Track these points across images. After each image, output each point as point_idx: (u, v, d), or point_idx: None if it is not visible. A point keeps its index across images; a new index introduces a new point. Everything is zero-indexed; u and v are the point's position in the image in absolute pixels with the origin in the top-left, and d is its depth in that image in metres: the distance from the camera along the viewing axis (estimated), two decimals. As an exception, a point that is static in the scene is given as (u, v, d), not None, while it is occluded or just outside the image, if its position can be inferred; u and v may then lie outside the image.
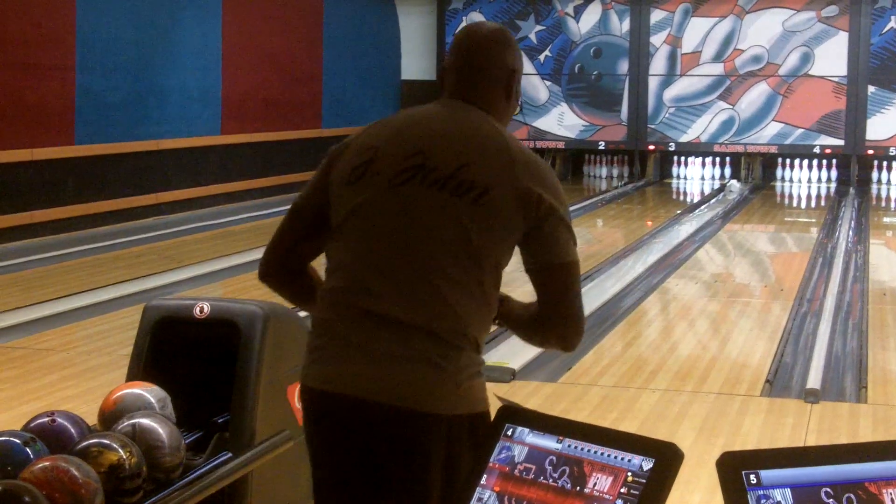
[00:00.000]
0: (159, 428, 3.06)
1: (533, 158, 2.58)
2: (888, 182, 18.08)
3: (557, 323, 2.56)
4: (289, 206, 2.73)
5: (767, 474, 1.85)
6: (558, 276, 2.54)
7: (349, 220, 2.57)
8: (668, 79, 18.84)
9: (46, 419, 3.06)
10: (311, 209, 2.66)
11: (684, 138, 18.82)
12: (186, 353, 3.66)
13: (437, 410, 2.45)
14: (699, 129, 18.71)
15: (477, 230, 2.49)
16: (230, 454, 3.36)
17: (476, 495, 2.14)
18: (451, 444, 2.48)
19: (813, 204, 17.15)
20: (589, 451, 2.06)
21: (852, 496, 1.80)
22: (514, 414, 2.22)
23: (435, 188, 2.51)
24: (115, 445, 2.90)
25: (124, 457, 2.89)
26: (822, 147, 18.19)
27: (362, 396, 2.47)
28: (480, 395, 2.54)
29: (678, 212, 15.39)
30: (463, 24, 2.63)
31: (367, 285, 2.51)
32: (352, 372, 2.49)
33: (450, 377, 2.46)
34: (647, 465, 1.99)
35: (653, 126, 18.91)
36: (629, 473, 1.99)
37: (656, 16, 18.87)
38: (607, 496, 1.99)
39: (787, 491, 1.83)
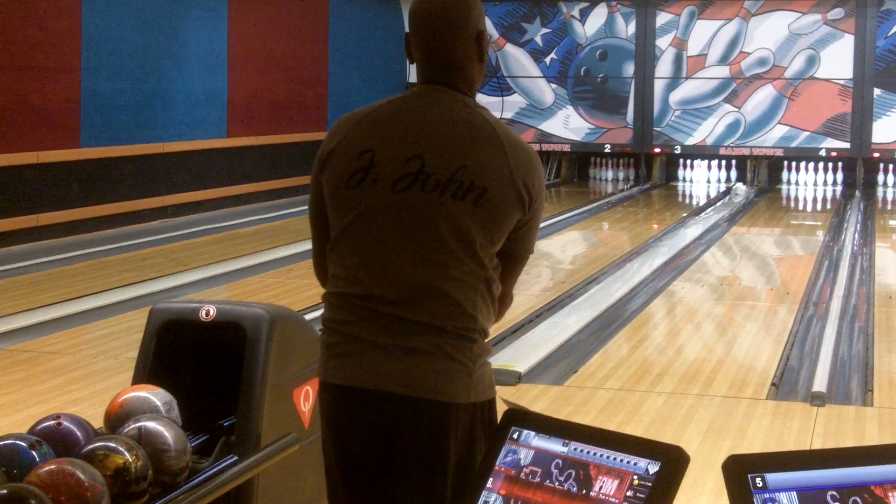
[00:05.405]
0: (165, 431, 3.06)
1: (522, 147, 2.61)
2: (894, 185, 18.06)
3: (505, 302, 2.68)
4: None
5: (773, 477, 1.85)
6: (522, 264, 2.68)
7: (352, 227, 2.58)
8: (674, 81, 18.83)
9: (52, 422, 3.06)
10: (324, 217, 2.67)
11: (690, 141, 18.81)
12: (192, 356, 3.66)
13: (455, 399, 2.52)
14: (705, 131, 18.70)
15: (479, 231, 2.53)
16: (236, 457, 3.36)
17: (482, 498, 2.14)
18: (468, 431, 2.55)
19: (819, 207, 17.13)
20: (595, 454, 2.06)
21: (858, 499, 1.79)
22: (520, 417, 2.21)
23: (436, 193, 2.52)
24: (121, 449, 2.90)
25: (130, 460, 2.89)
26: (828, 150, 18.18)
27: (382, 388, 2.53)
28: (490, 382, 2.63)
29: (684, 215, 15.38)
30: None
31: (374, 292, 2.54)
32: (370, 366, 2.54)
33: (464, 367, 2.53)
34: (653, 468, 1.99)
35: (658, 129, 18.90)
36: (635, 477, 1.99)
37: (662, 18, 18.86)
38: (613, 499, 1.99)
39: (793, 494, 1.82)
